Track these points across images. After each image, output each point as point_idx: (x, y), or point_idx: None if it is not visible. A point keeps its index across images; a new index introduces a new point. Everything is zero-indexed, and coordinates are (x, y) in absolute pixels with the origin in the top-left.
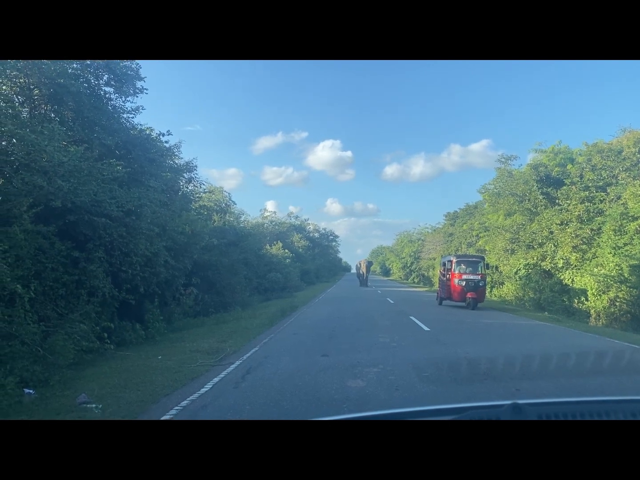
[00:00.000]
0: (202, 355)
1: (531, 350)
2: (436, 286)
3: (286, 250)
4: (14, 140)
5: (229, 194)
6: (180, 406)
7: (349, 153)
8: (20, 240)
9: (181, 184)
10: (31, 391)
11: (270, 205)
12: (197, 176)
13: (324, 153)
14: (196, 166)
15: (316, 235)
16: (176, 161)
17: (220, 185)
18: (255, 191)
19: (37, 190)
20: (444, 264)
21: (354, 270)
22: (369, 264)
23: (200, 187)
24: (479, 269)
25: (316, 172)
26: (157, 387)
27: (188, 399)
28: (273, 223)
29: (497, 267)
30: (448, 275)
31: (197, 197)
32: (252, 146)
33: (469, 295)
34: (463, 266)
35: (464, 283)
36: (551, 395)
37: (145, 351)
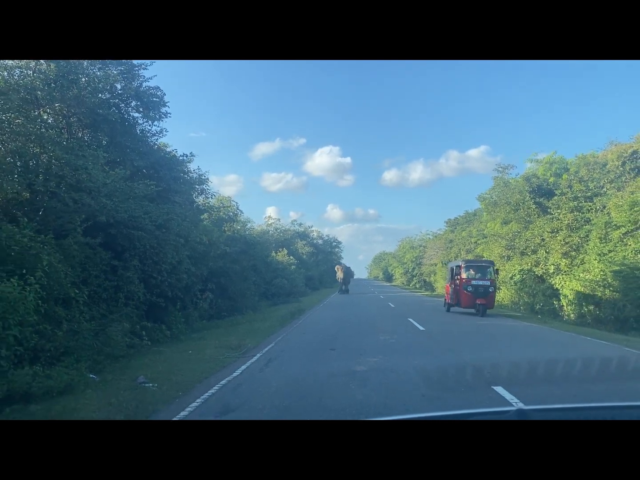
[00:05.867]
0: (226, 350)
1: (510, 344)
2: (438, 291)
3: (291, 257)
4: (60, 164)
5: (236, 203)
6: (220, 384)
7: (348, 159)
8: (74, 250)
9: (194, 195)
10: (94, 376)
11: (270, 211)
12: (209, 188)
13: (322, 159)
14: (208, 178)
15: (319, 241)
16: (190, 174)
17: (221, 191)
18: (255, 197)
19: (86, 207)
20: (452, 269)
21: (357, 276)
22: (347, 270)
23: (212, 198)
24: (489, 274)
25: (315, 178)
26: (196, 372)
27: (225, 379)
28: (278, 230)
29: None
30: (456, 281)
31: (215, 209)
32: (250, 152)
33: (478, 301)
34: (472, 271)
35: (473, 289)
36: (516, 365)
37: (176, 347)
